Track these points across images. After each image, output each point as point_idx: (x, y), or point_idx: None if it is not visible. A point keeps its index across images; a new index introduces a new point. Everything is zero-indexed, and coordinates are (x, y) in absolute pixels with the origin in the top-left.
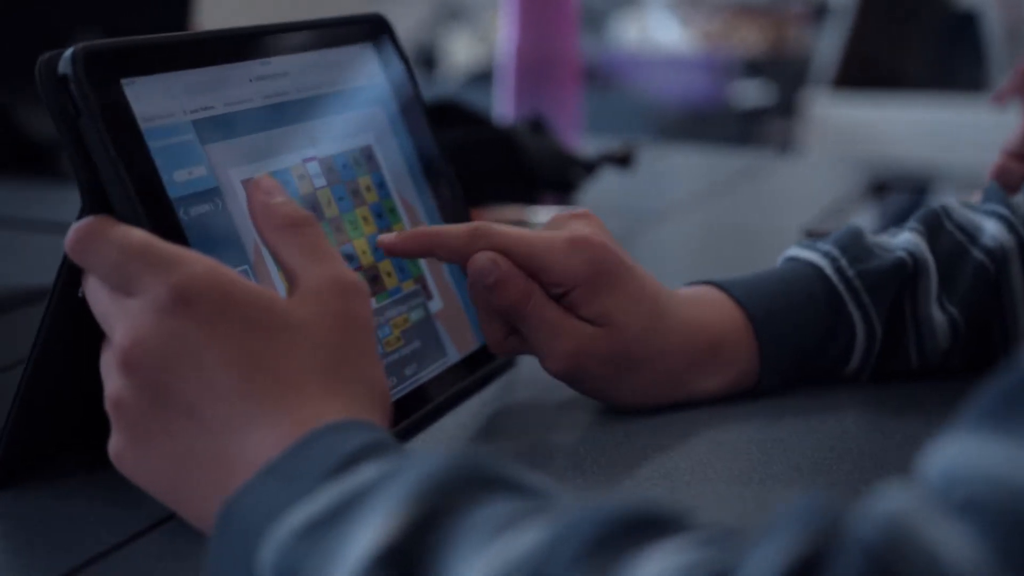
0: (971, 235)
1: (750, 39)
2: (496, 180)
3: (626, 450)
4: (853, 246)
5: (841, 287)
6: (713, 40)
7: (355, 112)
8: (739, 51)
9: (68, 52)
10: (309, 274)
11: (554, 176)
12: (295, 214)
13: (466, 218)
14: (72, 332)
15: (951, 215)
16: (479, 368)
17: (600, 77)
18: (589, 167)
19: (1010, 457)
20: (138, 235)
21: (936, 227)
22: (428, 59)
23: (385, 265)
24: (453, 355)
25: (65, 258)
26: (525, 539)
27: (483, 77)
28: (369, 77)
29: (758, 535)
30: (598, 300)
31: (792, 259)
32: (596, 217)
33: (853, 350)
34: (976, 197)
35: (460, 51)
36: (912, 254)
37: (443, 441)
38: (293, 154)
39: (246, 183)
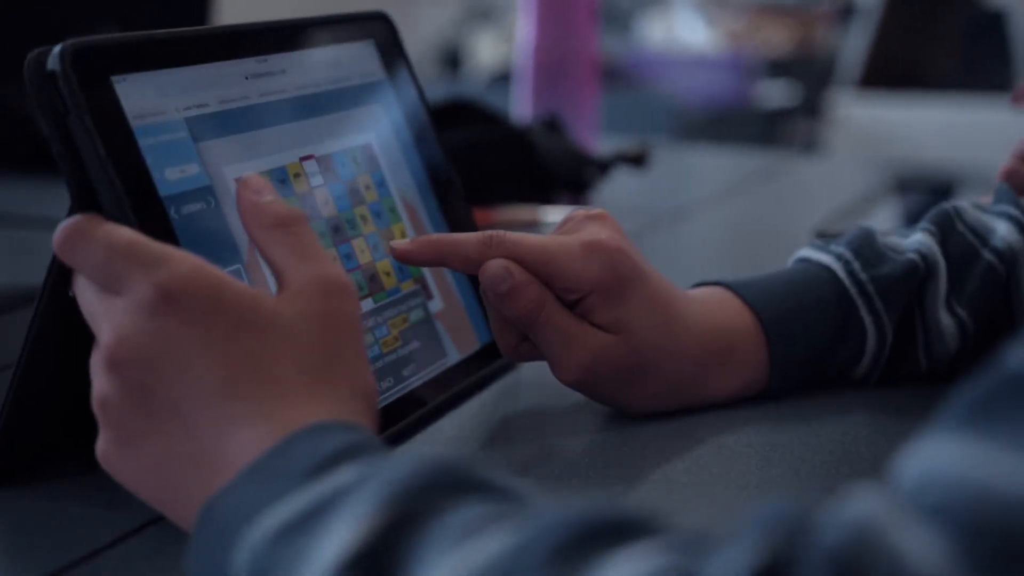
0: (982, 236)
1: (775, 39)
2: (510, 180)
3: (624, 453)
4: (866, 249)
5: (853, 291)
6: (738, 40)
7: (355, 110)
8: (764, 51)
9: (56, 49)
10: (297, 273)
11: (568, 176)
12: (284, 213)
13: (469, 217)
14: (63, 332)
15: (963, 216)
16: (480, 369)
17: (625, 77)
18: (603, 167)
19: (984, 461)
20: (125, 233)
21: (948, 228)
22: (454, 59)
23: (384, 265)
24: (453, 356)
25: (55, 257)
26: (493, 544)
27: (507, 77)
28: (370, 75)
29: (724, 541)
30: (613, 307)
31: (803, 260)
32: (613, 219)
33: (863, 354)
34: (989, 199)
35: (485, 51)
36: (924, 256)
37: (441, 443)
38: (290, 152)
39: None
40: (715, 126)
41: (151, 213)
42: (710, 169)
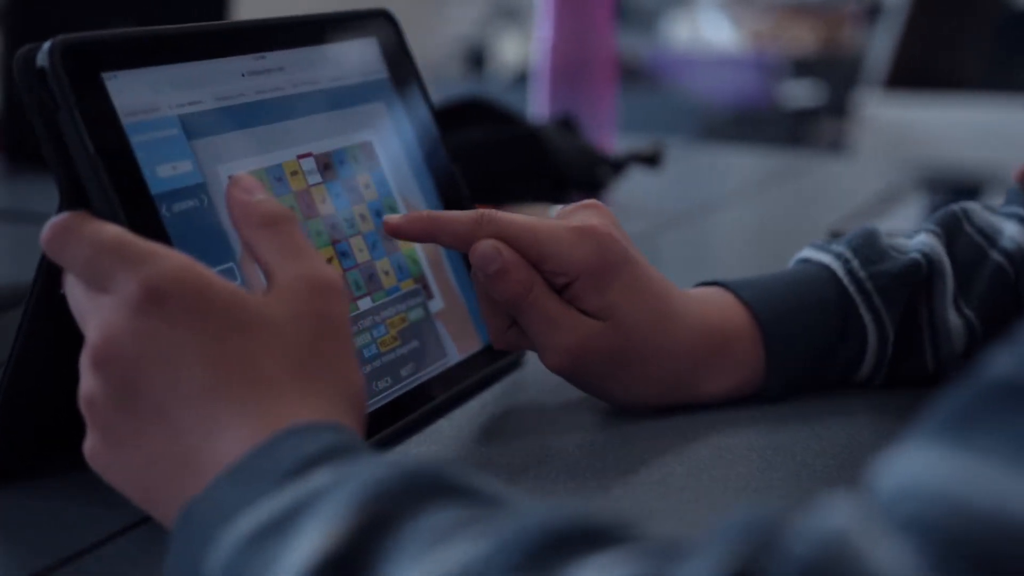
0: (990, 237)
1: (801, 39)
2: (523, 178)
3: (623, 454)
4: (866, 247)
5: (852, 289)
6: (763, 39)
7: (355, 108)
8: (789, 51)
9: (46, 45)
10: (285, 272)
11: (582, 175)
12: (273, 211)
13: None
14: (54, 329)
15: (971, 217)
16: (481, 369)
17: (649, 77)
18: (617, 166)
19: (962, 472)
20: (112, 231)
21: (954, 229)
22: (478, 59)
23: (383, 264)
24: (454, 356)
25: (45, 255)
26: (464, 549)
27: (530, 77)
28: (371, 72)
29: (694, 549)
30: (601, 292)
31: (804, 261)
32: (606, 208)
33: (865, 354)
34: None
35: (509, 51)
36: (927, 256)
37: (439, 443)
38: (287, 150)
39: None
40: (740, 126)
41: (141, 210)
42: (730, 169)
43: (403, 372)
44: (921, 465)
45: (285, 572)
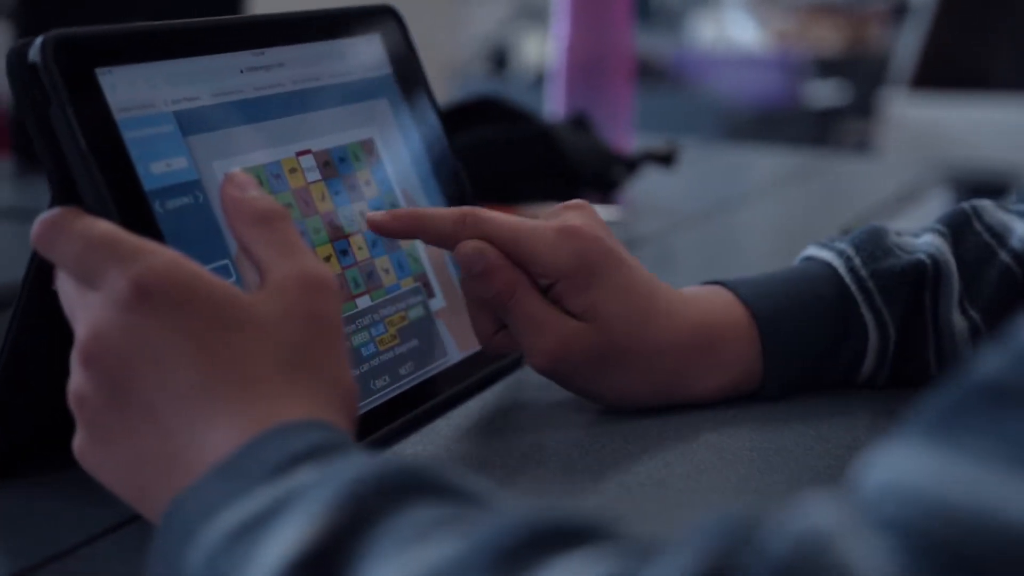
0: (1000, 236)
1: (826, 38)
2: (535, 177)
3: (622, 455)
4: (870, 244)
5: (854, 287)
6: (788, 39)
7: (356, 105)
8: (814, 50)
9: (38, 40)
10: (277, 269)
11: (594, 174)
12: (266, 208)
13: None
14: (46, 326)
15: (981, 215)
16: (482, 368)
17: (674, 77)
18: (631, 165)
19: (946, 472)
20: (102, 226)
21: (962, 228)
22: (500, 58)
23: (383, 262)
24: (455, 354)
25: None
26: (439, 548)
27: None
28: (373, 69)
29: (668, 548)
30: (585, 293)
31: (808, 258)
32: (592, 208)
33: (866, 354)
34: None
35: (532, 51)
36: (932, 256)
37: (437, 442)
38: (286, 147)
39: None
40: (764, 126)
41: (134, 207)
42: (750, 168)
43: (402, 371)
44: (905, 464)
45: (261, 569)
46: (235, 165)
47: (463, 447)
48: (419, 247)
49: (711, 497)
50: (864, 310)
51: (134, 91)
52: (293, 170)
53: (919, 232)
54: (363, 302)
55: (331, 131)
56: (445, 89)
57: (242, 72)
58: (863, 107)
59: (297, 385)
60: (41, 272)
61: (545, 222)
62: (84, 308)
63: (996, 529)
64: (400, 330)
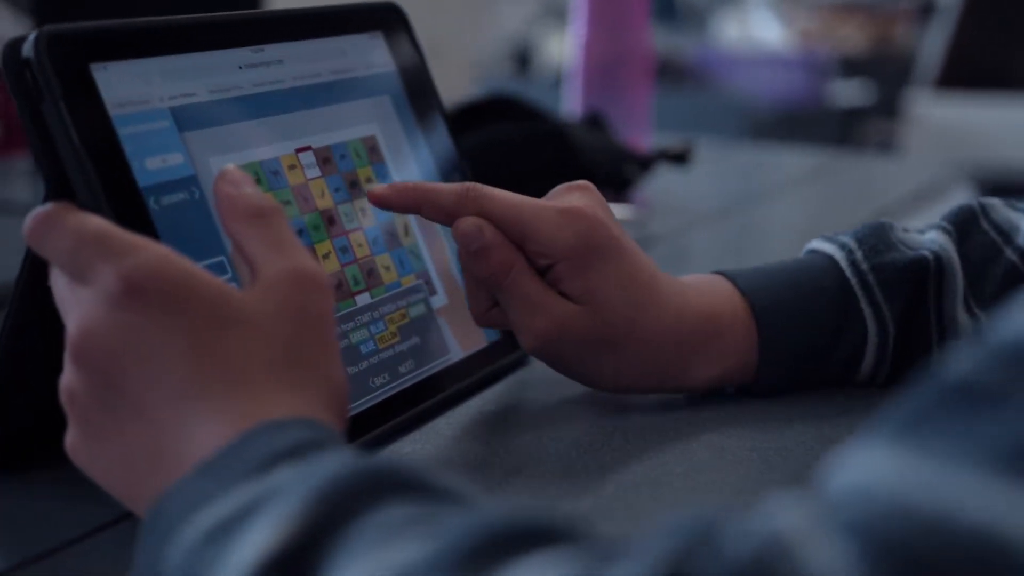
0: (1006, 234)
1: (851, 38)
2: (548, 176)
3: (621, 454)
4: (873, 238)
5: (854, 281)
6: (813, 38)
7: (358, 101)
8: (839, 50)
9: (32, 35)
10: (269, 266)
11: (608, 172)
12: (259, 204)
13: None
14: (39, 322)
15: (988, 213)
16: (484, 367)
17: (698, 76)
18: (645, 164)
19: (910, 474)
20: (94, 222)
21: (969, 226)
22: (524, 58)
23: (384, 259)
24: (456, 352)
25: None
26: (408, 548)
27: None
28: (375, 66)
29: (631, 549)
30: (583, 276)
31: (811, 251)
32: (596, 191)
33: (865, 349)
34: None
35: (555, 50)
36: (935, 253)
37: (435, 441)
38: (285, 143)
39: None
40: (788, 125)
41: (127, 203)
42: (771, 167)
43: (402, 369)
44: (871, 465)
45: (232, 569)
46: (231, 161)
47: (463, 446)
48: (421, 244)
49: (710, 497)
50: (863, 304)
51: (129, 87)
52: (292, 166)
53: (924, 229)
54: (363, 299)
55: (332, 128)
56: (468, 89)
57: (240, 68)
58: (888, 107)
59: (287, 383)
60: (36, 268)
61: (549, 203)
62: (76, 304)
63: (953, 530)
64: (401, 328)
